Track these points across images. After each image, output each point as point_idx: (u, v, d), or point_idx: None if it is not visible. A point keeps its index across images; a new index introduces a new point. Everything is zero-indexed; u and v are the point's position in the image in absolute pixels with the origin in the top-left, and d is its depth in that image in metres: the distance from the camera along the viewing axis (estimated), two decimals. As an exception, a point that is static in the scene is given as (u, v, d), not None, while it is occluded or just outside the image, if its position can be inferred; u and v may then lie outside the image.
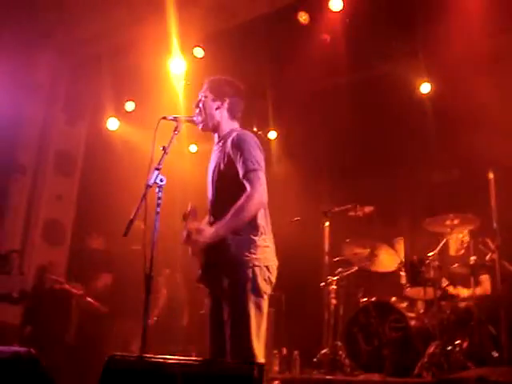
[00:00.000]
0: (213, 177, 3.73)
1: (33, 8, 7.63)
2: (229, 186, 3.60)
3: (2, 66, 7.35)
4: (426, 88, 7.42)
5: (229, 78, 3.98)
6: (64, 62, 8.26)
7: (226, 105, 3.83)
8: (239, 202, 3.42)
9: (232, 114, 3.85)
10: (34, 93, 8.24)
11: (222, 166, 3.65)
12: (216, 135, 3.87)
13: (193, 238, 3.45)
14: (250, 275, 3.44)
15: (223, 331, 3.46)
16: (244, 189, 3.48)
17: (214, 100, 3.81)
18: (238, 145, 3.58)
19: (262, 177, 3.51)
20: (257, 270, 3.46)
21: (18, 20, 7.59)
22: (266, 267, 3.51)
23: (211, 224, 3.58)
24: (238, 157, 3.53)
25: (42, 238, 8.47)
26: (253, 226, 3.53)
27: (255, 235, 3.52)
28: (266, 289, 3.51)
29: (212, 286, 3.64)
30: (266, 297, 3.51)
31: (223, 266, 3.50)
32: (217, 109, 3.81)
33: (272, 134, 8.49)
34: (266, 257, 3.53)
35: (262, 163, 3.57)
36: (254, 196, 3.44)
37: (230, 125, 3.84)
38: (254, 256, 3.47)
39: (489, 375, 4.69)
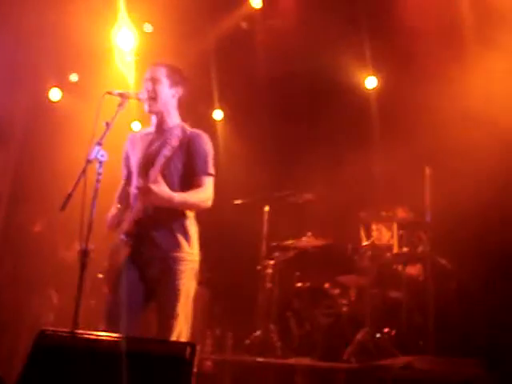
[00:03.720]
0: (152, 161, 3.68)
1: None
2: (173, 178, 3.66)
3: None
4: (371, 83, 7.55)
5: (181, 67, 4.03)
6: (4, 30, 7.99)
7: (178, 95, 3.91)
8: (200, 192, 3.64)
9: (178, 105, 3.94)
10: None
11: (175, 157, 3.68)
12: (155, 119, 3.89)
13: (147, 187, 3.46)
14: None
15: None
16: (189, 186, 3.66)
17: (170, 87, 3.85)
18: (202, 146, 3.74)
19: (212, 184, 3.74)
20: None
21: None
22: None
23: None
24: (201, 157, 3.68)
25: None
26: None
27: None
28: None
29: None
30: None
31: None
32: (171, 96, 3.87)
33: (218, 114, 8.39)
34: None
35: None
36: (208, 197, 3.68)
37: (176, 116, 3.93)
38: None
39: (414, 363, 4.85)
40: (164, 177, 3.58)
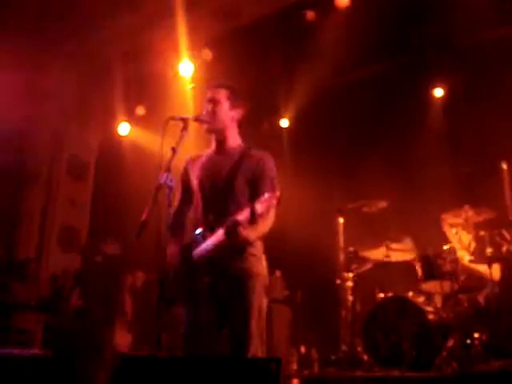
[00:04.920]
0: (220, 183, 3.74)
1: (43, 17, 7.69)
2: (239, 197, 3.66)
3: (14, 74, 7.41)
4: (438, 92, 7.48)
5: (241, 85, 4.05)
6: (74, 68, 8.31)
7: (237, 116, 3.90)
8: (266, 220, 3.57)
9: (239, 127, 3.92)
10: (46, 99, 8.31)
11: (241, 177, 3.70)
12: (215, 140, 3.90)
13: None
14: None
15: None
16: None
17: (230, 108, 3.85)
18: (267, 168, 3.72)
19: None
20: None
21: (29, 28, 7.66)
22: None
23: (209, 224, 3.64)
24: (266, 179, 3.66)
25: (58, 244, 8.50)
26: None
27: None
28: None
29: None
30: None
31: None
32: (231, 118, 3.86)
33: (284, 123, 8.41)
34: None
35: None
36: (271, 222, 3.62)
37: (236, 137, 3.92)
38: None
39: (509, 367, 4.65)
40: (232, 196, 3.64)
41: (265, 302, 3.65)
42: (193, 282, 3.61)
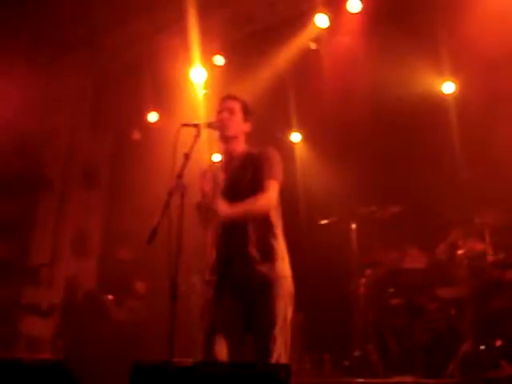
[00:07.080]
0: (231, 189, 3.79)
1: (55, 25, 7.75)
2: (242, 188, 3.73)
3: (27, 82, 7.47)
4: (448, 88, 7.38)
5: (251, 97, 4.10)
6: (88, 75, 8.37)
7: (247, 130, 3.96)
8: (259, 199, 3.67)
9: (247, 139, 3.98)
10: (59, 107, 8.38)
11: (246, 180, 3.76)
12: (225, 150, 3.96)
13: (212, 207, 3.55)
14: None
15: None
16: (256, 192, 3.69)
17: (242, 120, 3.92)
18: (267, 155, 3.80)
19: (277, 188, 3.74)
20: None
21: (42, 36, 7.74)
22: None
23: None
24: (265, 164, 3.74)
25: (71, 250, 8.55)
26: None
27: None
28: None
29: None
30: None
31: None
32: (242, 130, 3.93)
33: (295, 136, 8.43)
34: None
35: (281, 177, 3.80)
36: (267, 202, 3.71)
37: (244, 147, 3.96)
38: None
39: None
40: (235, 188, 3.74)
41: (290, 308, 3.63)
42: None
